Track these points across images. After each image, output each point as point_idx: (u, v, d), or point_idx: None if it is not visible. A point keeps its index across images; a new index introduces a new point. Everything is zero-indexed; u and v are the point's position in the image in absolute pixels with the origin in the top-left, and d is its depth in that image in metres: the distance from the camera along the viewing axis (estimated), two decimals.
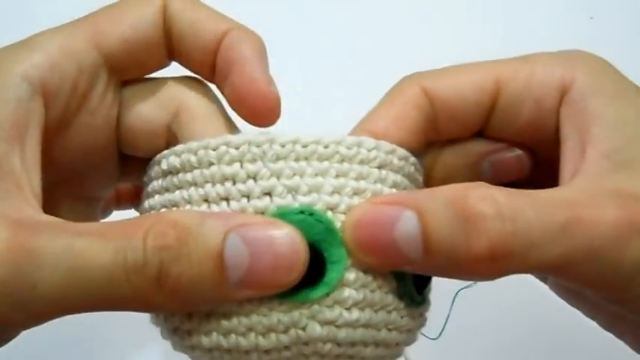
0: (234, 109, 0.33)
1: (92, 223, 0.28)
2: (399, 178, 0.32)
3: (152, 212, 0.32)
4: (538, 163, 0.37)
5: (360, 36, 0.64)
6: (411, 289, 0.31)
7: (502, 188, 0.29)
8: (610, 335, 0.36)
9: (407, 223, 0.28)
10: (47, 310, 0.27)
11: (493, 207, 0.28)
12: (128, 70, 0.34)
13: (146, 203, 0.33)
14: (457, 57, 0.63)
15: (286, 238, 0.28)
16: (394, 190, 0.31)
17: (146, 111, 0.34)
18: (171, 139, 0.34)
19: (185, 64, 0.35)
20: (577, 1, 0.65)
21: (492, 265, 0.28)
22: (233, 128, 0.34)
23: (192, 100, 0.34)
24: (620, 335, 0.36)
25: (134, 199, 0.41)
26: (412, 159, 0.33)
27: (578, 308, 0.37)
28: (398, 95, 0.35)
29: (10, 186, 0.29)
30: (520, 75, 0.34)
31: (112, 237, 0.27)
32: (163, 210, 0.32)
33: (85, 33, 0.32)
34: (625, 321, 0.35)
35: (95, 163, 0.35)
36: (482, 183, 0.29)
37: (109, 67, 0.33)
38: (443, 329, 0.35)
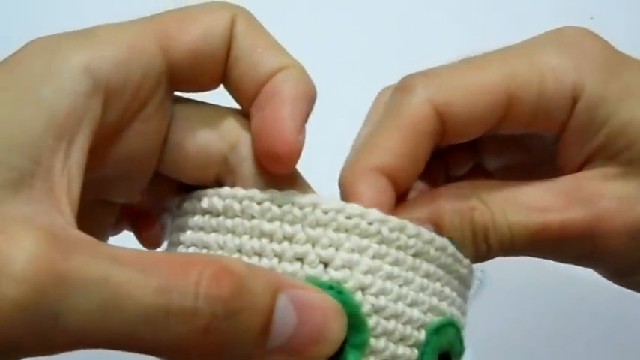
0: (254, 141, 0.31)
1: (131, 250, 0.25)
2: (432, 268, 0.31)
3: (180, 248, 0.31)
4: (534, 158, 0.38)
5: (359, 34, 0.64)
6: None
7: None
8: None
9: None
10: (67, 344, 0.24)
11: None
12: (186, 83, 0.32)
13: (175, 237, 0.32)
14: (457, 56, 0.63)
15: (335, 312, 0.27)
16: (425, 280, 0.30)
17: (203, 135, 0.32)
18: (222, 173, 0.32)
19: (230, 86, 0.32)
20: (577, 1, 0.65)
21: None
22: (297, 176, 0.32)
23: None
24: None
25: (134, 220, 0.37)
26: (450, 249, 0.32)
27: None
28: (406, 117, 0.33)
29: (43, 188, 0.26)
30: (532, 87, 0.34)
31: (156, 272, 0.24)
32: (204, 251, 0.30)
33: (153, 35, 0.30)
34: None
35: (130, 173, 0.32)
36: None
37: (171, 75, 0.31)
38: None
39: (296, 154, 0.30)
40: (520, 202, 0.33)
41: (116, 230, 0.36)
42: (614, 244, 0.32)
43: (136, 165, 0.31)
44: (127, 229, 0.37)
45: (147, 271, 0.24)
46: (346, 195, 0.33)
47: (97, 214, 0.33)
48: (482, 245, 0.33)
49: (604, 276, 0.37)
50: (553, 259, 0.35)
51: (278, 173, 0.31)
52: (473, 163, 0.40)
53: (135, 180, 0.32)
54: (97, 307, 0.23)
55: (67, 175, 0.27)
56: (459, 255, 0.32)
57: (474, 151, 0.39)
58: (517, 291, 0.54)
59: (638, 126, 0.33)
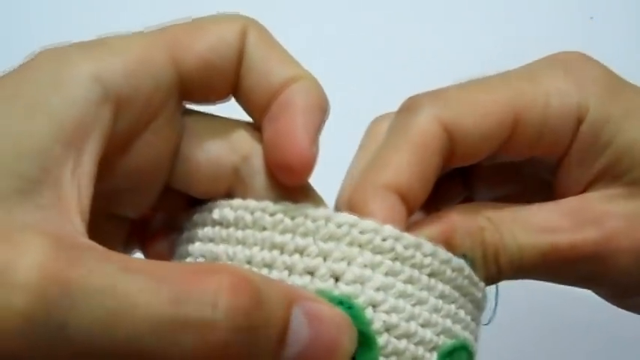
0: (266, 153, 0.31)
1: (142, 259, 0.25)
2: (447, 289, 0.30)
3: (189, 260, 0.31)
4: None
5: (369, 46, 0.64)
6: None
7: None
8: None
9: None
10: (72, 356, 0.22)
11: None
12: (197, 94, 0.31)
13: (184, 249, 0.32)
14: (457, 56, 0.63)
15: (346, 326, 0.26)
16: (440, 301, 0.30)
17: (214, 147, 0.31)
18: (233, 185, 0.31)
19: (241, 98, 0.32)
20: (577, 1, 0.65)
21: None
22: (309, 188, 0.32)
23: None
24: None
25: (141, 235, 0.36)
26: (467, 271, 0.31)
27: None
28: (416, 135, 0.33)
29: (52, 196, 0.25)
30: (537, 107, 0.34)
31: (170, 282, 0.23)
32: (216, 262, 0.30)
33: (164, 45, 0.29)
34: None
35: (140, 185, 0.31)
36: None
37: (182, 87, 0.30)
38: (493, 315, 0.35)
39: (310, 166, 0.29)
40: (529, 223, 0.33)
41: (126, 250, 0.35)
42: (623, 263, 0.33)
43: (146, 177, 0.31)
44: (138, 249, 0.36)
45: (159, 280, 0.23)
46: (357, 213, 0.32)
47: (106, 229, 0.32)
48: (493, 267, 0.32)
49: (605, 298, 0.37)
50: (560, 282, 0.35)
51: (291, 185, 0.30)
52: (463, 197, 0.40)
53: (145, 193, 0.32)
54: (105, 318, 0.22)
55: (77, 184, 0.26)
56: (475, 278, 0.31)
57: (464, 184, 0.39)
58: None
59: None
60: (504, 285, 0.34)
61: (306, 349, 0.25)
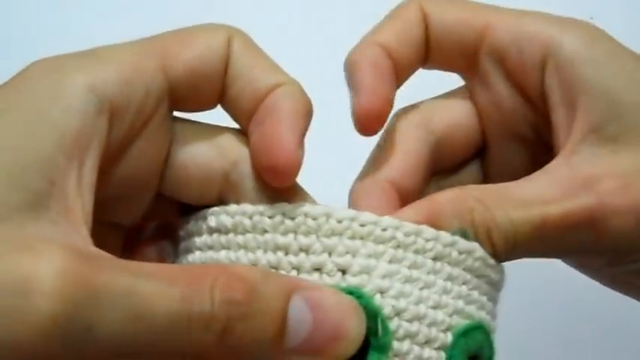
0: (253, 156, 0.31)
1: (153, 264, 0.26)
2: (456, 271, 0.31)
3: None
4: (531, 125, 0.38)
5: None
6: None
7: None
8: None
9: None
10: (99, 356, 0.24)
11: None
12: (185, 102, 0.32)
13: (183, 259, 0.32)
14: None
15: (351, 310, 0.27)
16: (449, 283, 0.30)
17: (203, 154, 0.32)
18: (224, 191, 0.32)
19: (228, 105, 0.33)
20: (577, 1, 0.64)
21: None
22: (298, 189, 0.33)
23: None
24: (624, 292, 0.37)
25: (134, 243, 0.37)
26: (479, 252, 0.31)
27: (582, 272, 0.38)
28: (400, 17, 0.36)
29: (60, 208, 0.26)
30: (509, 23, 0.35)
31: (178, 283, 0.25)
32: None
33: (154, 54, 0.30)
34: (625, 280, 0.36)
35: (132, 193, 0.32)
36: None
37: (171, 94, 0.31)
38: None
39: (296, 167, 0.30)
40: (519, 198, 0.32)
41: (123, 257, 0.36)
42: (620, 224, 0.32)
43: (139, 184, 0.32)
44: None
45: (170, 281, 0.25)
46: (355, 205, 0.34)
47: (103, 237, 0.33)
48: (487, 247, 0.32)
49: (602, 272, 0.37)
50: (557, 256, 0.35)
51: (279, 187, 0.31)
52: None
53: (138, 200, 0.33)
54: (127, 319, 0.24)
55: (81, 195, 0.27)
56: (490, 260, 0.32)
57: (480, 175, 0.40)
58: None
59: (625, 96, 0.33)
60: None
61: (311, 335, 0.26)
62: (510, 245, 0.32)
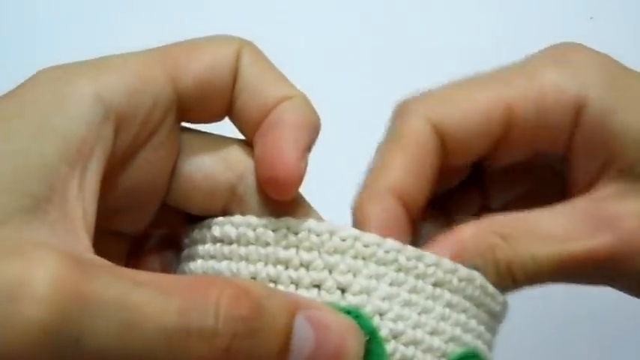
0: (256, 168, 0.31)
1: (149, 273, 0.25)
2: (456, 298, 0.30)
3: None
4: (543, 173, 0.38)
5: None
6: None
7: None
8: None
9: None
10: None
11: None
12: (194, 113, 0.31)
13: (185, 266, 0.32)
14: (455, 56, 0.63)
15: (351, 330, 0.27)
16: (447, 309, 0.30)
17: (210, 165, 0.32)
18: (229, 203, 0.32)
19: (235, 117, 0.32)
20: (577, 1, 0.65)
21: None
22: (304, 204, 0.32)
23: None
24: None
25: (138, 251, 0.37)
26: (479, 281, 0.31)
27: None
28: (407, 136, 0.34)
29: (59, 214, 0.26)
30: (530, 100, 0.34)
31: (176, 294, 0.24)
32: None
33: (162, 64, 0.30)
34: None
35: (138, 202, 0.32)
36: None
37: (179, 105, 0.31)
38: None
39: (296, 180, 0.30)
40: (541, 233, 0.33)
41: (128, 266, 0.35)
42: (638, 263, 0.32)
43: (145, 194, 0.31)
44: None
45: (167, 292, 0.24)
46: (358, 221, 0.33)
47: (107, 246, 0.32)
48: (508, 280, 0.32)
49: (624, 291, 0.37)
50: (577, 283, 0.35)
51: (279, 200, 0.31)
52: (479, 205, 0.39)
53: (143, 210, 0.32)
54: (118, 329, 0.23)
55: (82, 202, 0.27)
56: (491, 289, 0.32)
57: (480, 191, 0.39)
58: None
59: None
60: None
61: (313, 354, 0.25)
62: (531, 278, 0.33)
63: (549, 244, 0.32)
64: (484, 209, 0.40)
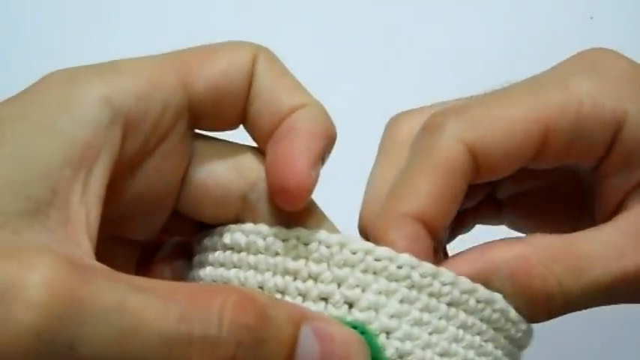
0: (266, 176, 0.31)
1: (150, 279, 0.24)
2: (471, 320, 0.29)
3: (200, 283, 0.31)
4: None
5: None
6: None
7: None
8: None
9: None
10: None
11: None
12: (207, 120, 0.31)
13: (195, 273, 0.32)
14: (456, 56, 0.63)
15: (357, 345, 0.26)
16: (461, 331, 0.29)
17: (222, 173, 0.31)
18: (242, 211, 0.31)
19: (248, 124, 0.31)
20: (577, 1, 0.65)
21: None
22: (317, 213, 0.32)
23: None
24: None
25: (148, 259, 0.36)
26: (499, 305, 0.30)
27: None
28: (439, 159, 0.32)
29: (60, 218, 0.25)
30: (569, 115, 0.32)
31: (177, 300, 0.23)
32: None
33: (174, 69, 0.29)
34: None
35: (148, 209, 0.31)
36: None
37: (191, 111, 0.30)
38: None
39: (307, 189, 0.29)
40: (592, 256, 0.31)
41: (138, 273, 0.35)
42: None
43: (155, 201, 0.31)
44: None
45: (167, 299, 0.23)
46: (379, 242, 0.31)
47: (116, 252, 0.32)
48: (542, 312, 0.31)
49: None
50: (624, 303, 0.34)
51: (290, 209, 0.30)
52: (485, 193, 0.38)
53: (153, 217, 0.32)
54: (114, 336, 0.22)
55: (85, 206, 0.26)
56: (512, 314, 0.30)
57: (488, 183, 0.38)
58: None
59: None
60: None
61: None
62: (572, 308, 0.32)
63: (602, 267, 0.31)
64: (489, 198, 0.39)
